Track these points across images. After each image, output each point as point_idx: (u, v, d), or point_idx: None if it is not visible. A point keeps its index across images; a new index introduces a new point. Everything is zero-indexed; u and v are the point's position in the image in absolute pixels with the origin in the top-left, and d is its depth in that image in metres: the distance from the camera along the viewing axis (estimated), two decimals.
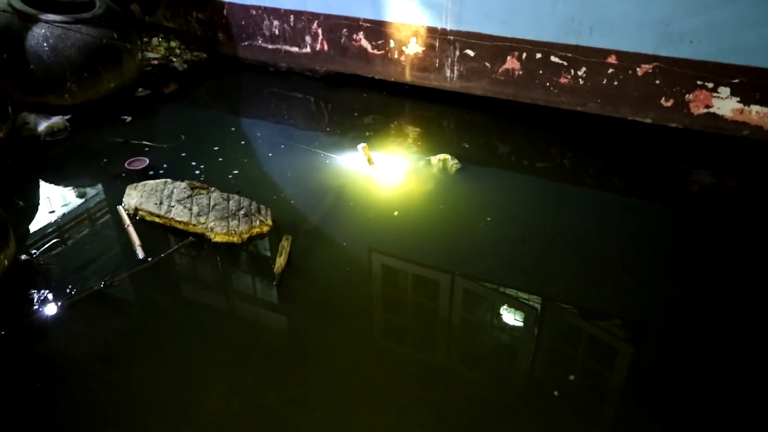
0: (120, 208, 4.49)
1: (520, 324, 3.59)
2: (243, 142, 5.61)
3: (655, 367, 3.24)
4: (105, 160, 5.26)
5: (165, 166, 5.11)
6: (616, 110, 5.73)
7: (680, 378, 3.16)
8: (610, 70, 5.54)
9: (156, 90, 6.70)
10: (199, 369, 3.22)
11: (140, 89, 6.61)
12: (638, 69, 5.42)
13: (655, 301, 3.67)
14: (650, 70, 5.38)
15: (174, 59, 7.28)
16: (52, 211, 4.55)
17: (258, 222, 4.28)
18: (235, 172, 5.04)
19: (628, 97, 5.60)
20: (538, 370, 3.29)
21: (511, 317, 3.63)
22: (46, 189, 4.93)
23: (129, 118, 6.01)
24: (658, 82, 5.41)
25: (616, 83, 5.58)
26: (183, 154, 5.30)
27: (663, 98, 5.47)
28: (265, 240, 4.25)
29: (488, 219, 4.42)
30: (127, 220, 4.34)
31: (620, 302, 3.68)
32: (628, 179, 5.03)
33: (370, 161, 5.17)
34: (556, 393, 3.09)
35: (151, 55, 7.27)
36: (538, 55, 5.75)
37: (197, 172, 5.02)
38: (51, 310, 3.57)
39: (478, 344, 3.48)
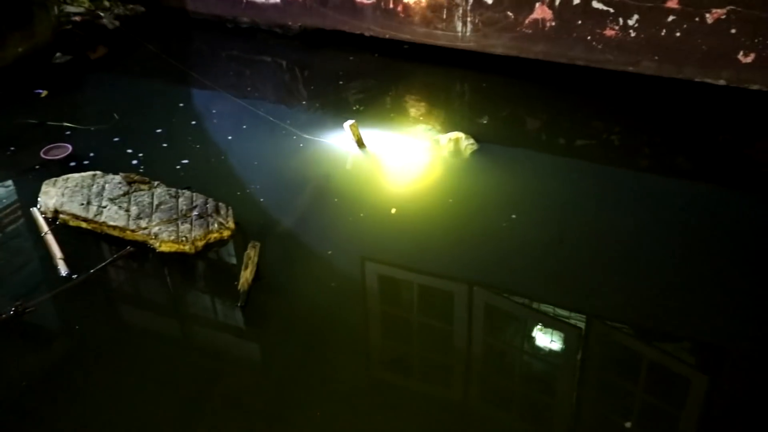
0: (35, 210, 4.48)
1: (559, 349, 3.59)
2: (194, 122, 5.60)
3: (737, 403, 3.25)
4: (13, 148, 5.25)
5: (91, 155, 5.11)
6: (679, 70, 5.73)
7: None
8: (671, 18, 5.54)
9: (79, 55, 6.68)
10: (142, 421, 3.21)
11: (58, 54, 6.59)
12: (707, 15, 5.43)
13: (732, 320, 3.67)
14: (723, 16, 5.39)
15: (102, 14, 7.26)
16: None
17: (216, 225, 4.27)
18: (185, 161, 5.04)
19: (694, 53, 5.61)
20: (584, 412, 3.30)
21: (546, 340, 3.63)
22: None
23: (44, 93, 6.00)
24: (733, 31, 5.42)
25: (678, 35, 5.59)
26: (116, 139, 5.30)
27: (741, 53, 5.48)
28: (227, 248, 4.25)
29: (513, 216, 4.42)
30: (44, 227, 4.33)
31: (688, 320, 3.68)
32: (695, 159, 5.04)
33: (360, 143, 5.17)
34: None
35: (71, 9, 7.25)
36: (576, 1, 5.76)
37: (134, 161, 5.02)
38: None
39: (504, 377, 3.48)
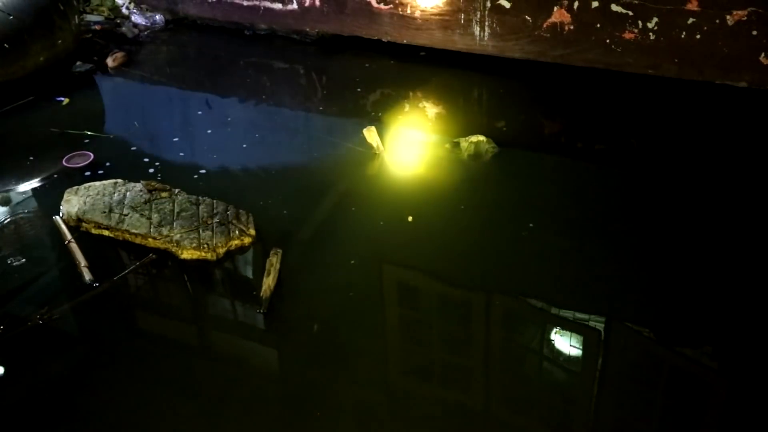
0: (57, 218, 4.54)
1: (579, 354, 3.58)
2: (212, 130, 5.64)
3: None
4: (36, 156, 5.32)
5: (107, 164, 5.14)
6: (700, 72, 5.71)
7: None
8: (691, 20, 5.52)
9: (99, 63, 6.76)
10: (165, 426, 3.23)
11: (79, 63, 6.67)
12: (728, 17, 5.40)
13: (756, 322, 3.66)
14: (744, 18, 5.36)
15: (121, 23, 7.34)
16: None
17: (237, 232, 4.30)
18: (202, 171, 5.05)
19: (715, 55, 5.58)
20: (604, 419, 3.30)
21: (566, 345, 3.63)
22: None
23: (66, 100, 6.07)
24: (755, 33, 5.38)
25: (698, 37, 5.56)
26: (133, 148, 5.33)
27: (762, 54, 5.45)
28: (248, 255, 4.27)
29: (531, 224, 4.41)
30: (67, 235, 4.38)
31: (711, 323, 3.67)
32: (716, 163, 5.00)
33: (378, 149, 5.19)
34: None
35: (91, 17, 7.34)
36: (595, 4, 5.75)
37: (151, 170, 5.05)
38: None
39: (526, 384, 3.48)
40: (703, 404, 3.31)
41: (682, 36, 5.60)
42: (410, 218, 4.48)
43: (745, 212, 4.50)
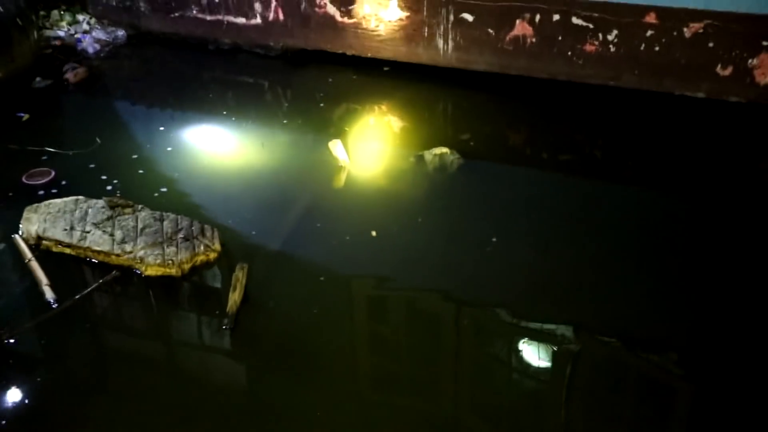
0: (17, 237, 4.46)
1: (548, 364, 3.62)
2: (174, 146, 5.58)
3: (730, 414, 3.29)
4: None
5: (63, 182, 5.02)
6: (659, 83, 5.83)
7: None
8: (650, 33, 5.64)
9: (59, 79, 6.67)
10: None
11: (38, 79, 6.57)
12: (685, 29, 5.53)
13: (716, 327, 3.73)
14: (701, 30, 5.49)
15: (82, 38, 7.26)
16: None
17: (202, 247, 4.28)
18: (163, 189, 4.97)
19: (673, 66, 5.70)
20: (575, 425, 3.33)
21: (534, 356, 3.66)
22: None
23: (26, 116, 5.98)
24: (711, 45, 5.52)
25: (657, 49, 5.68)
26: (91, 165, 5.24)
27: (719, 65, 5.58)
28: (214, 270, 4.25)
29: (495, 237, 4.45)
30: (27, 253, 4.31)
31: (676, 329, 3.73)
32: (676, 171, 5.10)
33: (344, 162, 5.20)
34: None
35: (51, 33, 7.25)
36: (556, 17, 5.84)
37: (110, 187, 4.96)
38: None
39: (495, 393, 3.50)
40: (668, 410, 3.36)
41: (642, 48, 5.71)
42: (374, 233, 4.49)
43: (707, 216, 4.60)
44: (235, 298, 3.90)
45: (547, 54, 6.02)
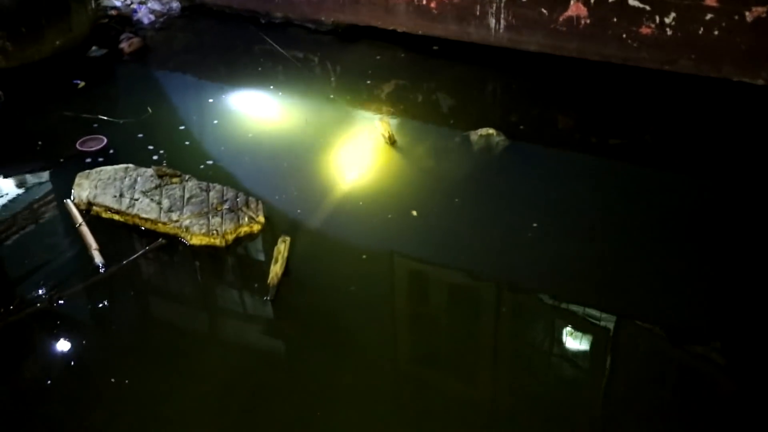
0: (69, 202, 4.57)
1: (587, 350, 3.58)
2: (221, 119, 5.64)
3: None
4: (48, 139, 5.35)
5: (111, 151, 5.13)
6: (717, 69, 5.66)
7: None
8: (709, 16, 5.48)
9: (114, 48, 6.78)
10: (171, 411, 3.26)
11: (94, 48, 6.70)
12: (747, 13, 5.35)
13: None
14: (764, 14, 5.31)
15: (137, 8, 7.37)
16: None
17: (246, 219, 4.32)
18: (209, 162, 5.04)
19: (732, 52, 5.53)
20: (611, 416, 3.29)
21: (576, 342, 3.63)
22: None
23: (82, 83, 6.11)
24: None
25: (716, 33, 5.52)
26: (140, 135, 5.34)
27: None
28: (256, 242, 4.29)
29: (545, 215, 4.40)
30: (78, 218, 4.41)
31: (721, 319, 3.66)
32: (729, 160, 4.97)
33: (390, 139, 5.19)
34: None
35: (107, 3, 7.37)
36: None
37: (155, 157, 5.04)
38: None
39: (533, 378, 3.48)
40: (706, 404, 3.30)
41: (700, 32, 5.55)
42: (414, 212, 4.47)
43: (761, 208, 4.47)
44: (276, 270, 3.94)
45: (601, 36, 5.90)
